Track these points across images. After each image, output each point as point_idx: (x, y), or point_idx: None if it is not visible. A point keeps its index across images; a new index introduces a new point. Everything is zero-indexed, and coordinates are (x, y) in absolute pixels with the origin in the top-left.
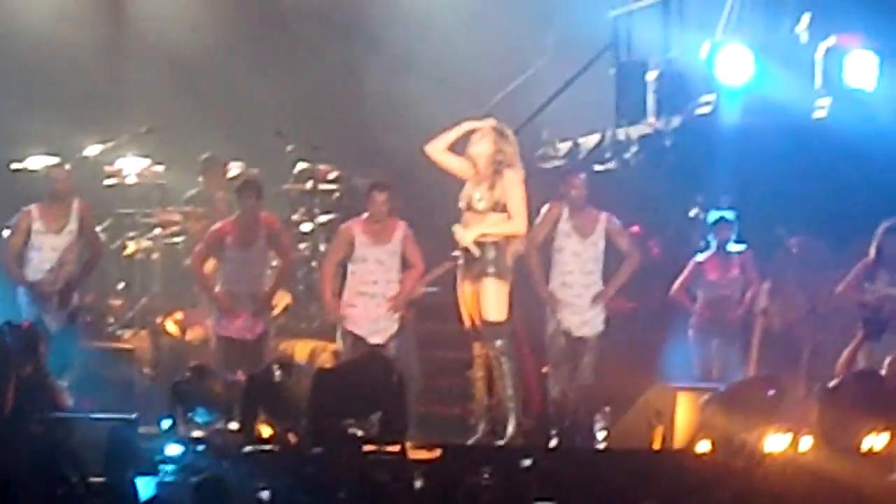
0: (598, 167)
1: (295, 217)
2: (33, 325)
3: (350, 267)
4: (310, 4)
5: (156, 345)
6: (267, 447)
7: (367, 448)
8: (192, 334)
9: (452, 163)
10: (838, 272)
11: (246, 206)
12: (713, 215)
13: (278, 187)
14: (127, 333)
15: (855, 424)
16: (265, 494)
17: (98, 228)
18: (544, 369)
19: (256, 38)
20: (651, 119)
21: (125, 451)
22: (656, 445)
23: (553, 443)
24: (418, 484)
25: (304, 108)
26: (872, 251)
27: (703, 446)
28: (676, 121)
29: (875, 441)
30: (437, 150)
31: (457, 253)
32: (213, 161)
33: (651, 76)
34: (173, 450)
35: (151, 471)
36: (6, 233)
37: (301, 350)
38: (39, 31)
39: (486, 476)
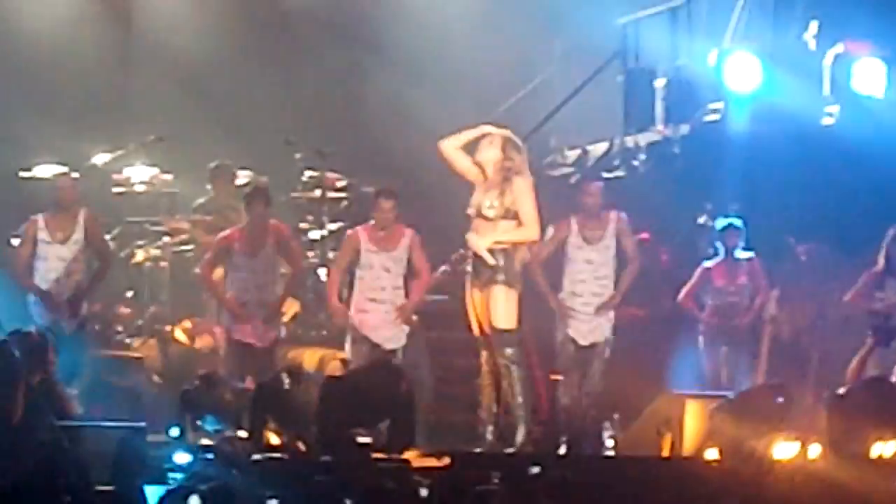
0: (606, 175)
1: (303, 225)
2: (42, 334)
3: (358, 273)
4: (317, 12)
5: (164, 353)
6: (276, 455)
7: (377, 456)
8: (201, 342)
9: (463, 162)
10: (847, 279)
11: (255, 214)
12: (721, 222)
13: (287, 195)
14: (136, 342)
15: (864, 432)
16: (273, 503)
17: (107, 237)
18: (553, 377)
19: (264, 45)
20: (659, 126)
21: (134, 460)
22: (665, 453)
23: (562, 450)
24: (427, 492)
25: (313, 115)
26: (881, 259)
27: (712, 454)
28: (685, 128)
29: (884, 449)
30: (450, 147)
31: (454, 257)
32: (222, 169)
33: (659, 83)
34: (182, 458)
35: (160, 479)
36: (16, 242)
37: (310, 358)
38: (48, 40)
39: (494, 483)
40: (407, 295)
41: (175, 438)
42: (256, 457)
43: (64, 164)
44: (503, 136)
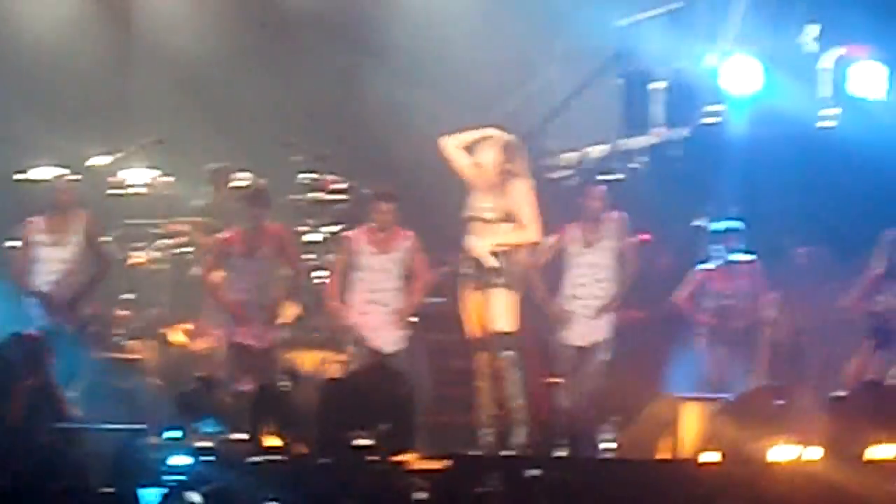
0: (605, 177)
1: (302, 227)
2: (41, 336)
3: (357, 275)
4: (317, 15)
5: (164, 355)
6: (275, 457)
7: (375, 458)
8: (200, 344)
9: (462, 161)
10: (846, 282)
11: (254, 217)
12: (721, 225)
13: (286, 198)
14: (135, 344)
15: (863, 435)
16: None
17: (106, 239)
18: (551, 378)
19: (263, 48)
20: (658, 129)
21: (133, 462)
22: (664, 455)
23: (561, 452)
24: (426, 494)
25: (312, 118)
26: (880, 262)
27: (711, 456)
28: (684, 131)
29: (883, 451)
30: (451, 145)
31: (452, 260)
32: (221, 172)
33: (658, 86)
34: (181, 460)
35: (159, 481)
36: (13, 244)
37: (309, 360)
38: (46, 42)
39: (493, 486)
40: (406, 297)
41: (174, 440)
42: (255, 459)
43: (63, 166)
44: (504, 138)
